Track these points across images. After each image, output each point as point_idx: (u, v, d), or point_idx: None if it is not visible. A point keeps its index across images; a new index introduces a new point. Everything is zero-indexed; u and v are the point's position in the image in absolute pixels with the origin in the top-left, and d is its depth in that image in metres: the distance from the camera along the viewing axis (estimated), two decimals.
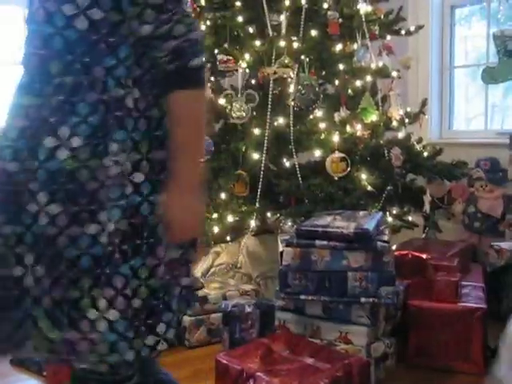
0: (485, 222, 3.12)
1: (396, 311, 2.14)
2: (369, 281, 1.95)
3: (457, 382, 2.01)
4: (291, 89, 2.55)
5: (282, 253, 2.05)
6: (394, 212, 2.72)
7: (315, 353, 1.86)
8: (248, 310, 2.04)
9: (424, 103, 3.00)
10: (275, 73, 2.52)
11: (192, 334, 2.33)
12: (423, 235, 3.01)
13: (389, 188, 2.54)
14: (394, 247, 2.34)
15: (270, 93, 2.52)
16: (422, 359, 2.12)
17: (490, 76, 3.36)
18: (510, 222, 2.95)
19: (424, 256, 2.38)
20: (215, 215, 2.54)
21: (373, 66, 2.67)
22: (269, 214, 2.83)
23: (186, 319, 2.29)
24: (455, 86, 3.71)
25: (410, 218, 2.83)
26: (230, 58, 2.57)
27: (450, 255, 2.48)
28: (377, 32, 2.79)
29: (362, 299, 1.95)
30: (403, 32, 2.97)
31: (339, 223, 2.01)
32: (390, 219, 2.65)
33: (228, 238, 2.91)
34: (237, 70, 2.60)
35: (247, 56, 2.58)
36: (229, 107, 2.55)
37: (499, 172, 3.14)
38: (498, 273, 2.59)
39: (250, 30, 2.74)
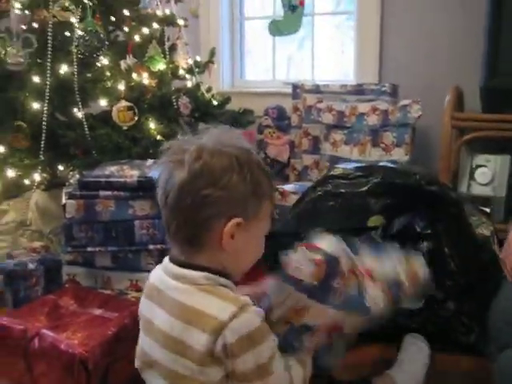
0: (273, 166, 3.34)
1: None
2: (156, 228, 1.97)
3: None
4: (75, 34, 2.41)
5: (65, 205, 1.98)
6: None
7: (104, 303, 1.85)
8: (31, 266, 1.95)
9: (212, 53, 3.05)
10: (54, 16, 2.37)
11: None
12: None
13: (179, 136, 2.57)
14: None
15: (50, 38, 2.36)
16: None
17: (276, 28, 3.56)
18: (293, 166, 3.19)
19: None
20: None
21: (159, 13, 2.64)
22: (61, 167, 2.70)
23: None
24: (252, 37, 3.81)
25: None
26: None
27: None
28: None
29: (150, 246, 1.97)
30: None
31: (123, 172, 1.99)
32: None
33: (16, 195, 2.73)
34: (9, 11, 2.39)
35: None
36: (3, 52, 2.35)
37: (285, 120, 3.36)
38: None
39: None
